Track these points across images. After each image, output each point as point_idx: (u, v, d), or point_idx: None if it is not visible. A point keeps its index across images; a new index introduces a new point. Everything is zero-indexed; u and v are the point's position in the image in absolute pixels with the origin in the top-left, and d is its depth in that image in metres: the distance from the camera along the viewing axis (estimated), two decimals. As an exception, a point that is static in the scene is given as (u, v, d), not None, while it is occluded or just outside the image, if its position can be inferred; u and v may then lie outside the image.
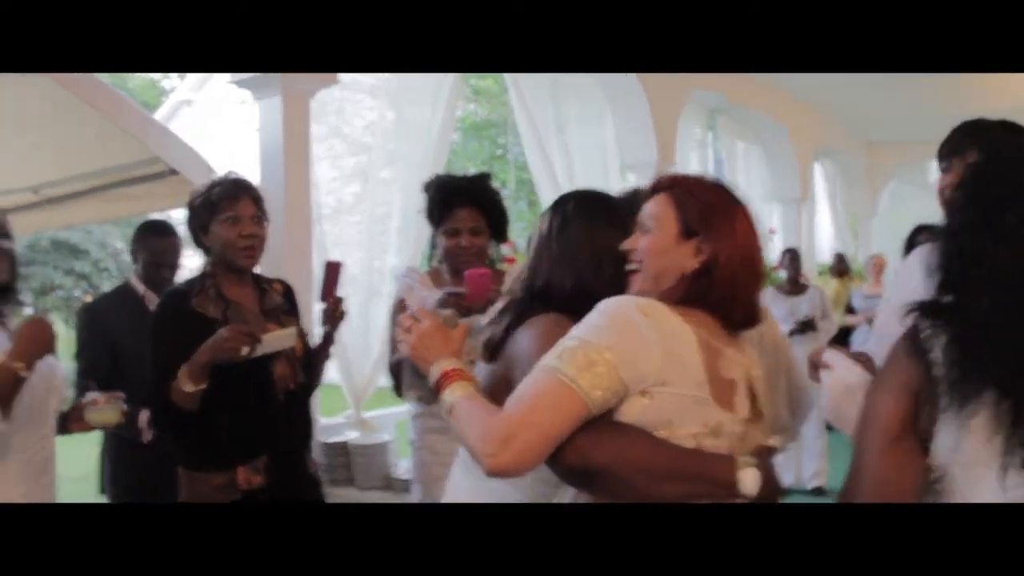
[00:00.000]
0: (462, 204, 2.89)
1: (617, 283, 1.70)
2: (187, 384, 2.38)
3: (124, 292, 3.50)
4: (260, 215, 2.62)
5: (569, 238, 1.81)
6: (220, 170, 4.06)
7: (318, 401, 4.18)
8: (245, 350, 2.38)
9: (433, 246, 3.03)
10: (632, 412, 1.46)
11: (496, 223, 2.95)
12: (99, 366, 2.99)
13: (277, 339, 2.49)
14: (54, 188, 4.52)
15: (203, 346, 2.38)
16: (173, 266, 3.49)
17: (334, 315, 2.81)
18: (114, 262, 14.23)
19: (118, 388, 2.55)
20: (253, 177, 3.94)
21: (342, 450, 3.89)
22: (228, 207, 2.56)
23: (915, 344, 1.38)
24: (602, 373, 1.42)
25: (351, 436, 4.12)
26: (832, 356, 1.67)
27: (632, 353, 1.44)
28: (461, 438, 1.54)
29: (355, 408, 4.53)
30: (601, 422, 1.47)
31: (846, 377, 1.62)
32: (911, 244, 4.89)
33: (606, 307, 1.50)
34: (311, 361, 2.76)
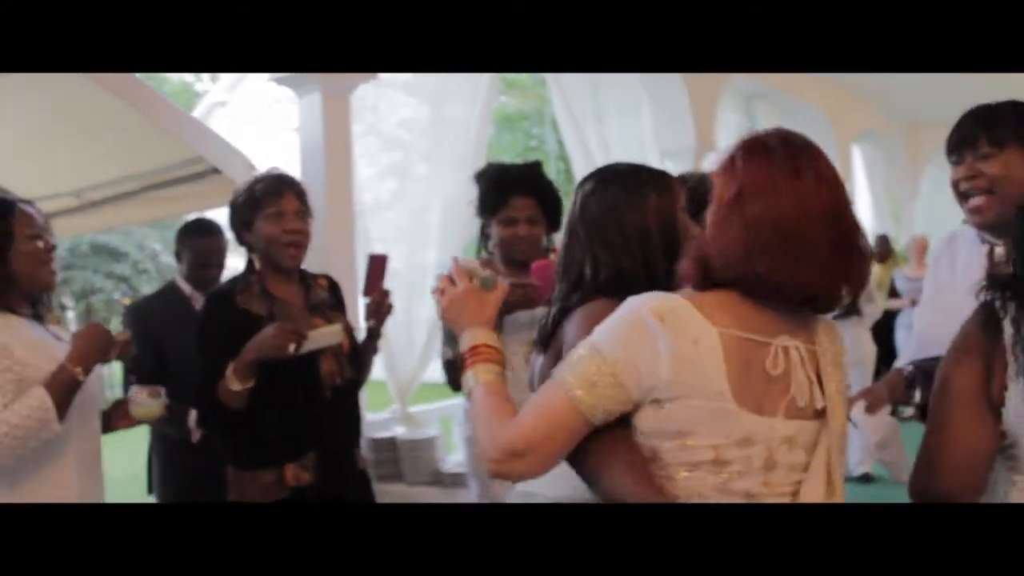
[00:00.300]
0: (518, 193, 2.83)
1: (653, 261, 1.65)
2: (234, 383, 2.37)
3: (170, 292, 3.49)
4: (304, 210, 2.59)
5: (592, 220, 1.72)
6: (261, 168, 4.09)
7: (364, 397, 4.19)
8: (292, 347, 2.36)
9: (484, 236, 2.94)
10: (647, 421, 1.40)
11: (552, 212, 2.89)
12: (144, 366, 2.96)
13: (323, 336, 2.46)
14: (96, 192, 4.54)
15: (249, 344, 2.37)
16: (219, 265, 3.46)
17: (380, 309, 2.76)
18: (153, 264, 14.37)
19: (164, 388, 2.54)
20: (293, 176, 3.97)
21: (390, 446, 3.89)
22: (271, 203, 2.52)
23: (989, 314, 1.48)
24: (606, 392, 1.37)
25: (398, 431, 4.11)
26: (859, 416, 1.87)
27: (639, 366, 1.36)
28: (473, 423, 1.52)
29: (400, 403, 4.53)
30: (604, 440, 1.42)
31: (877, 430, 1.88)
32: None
33: (624, 311, 1.42)
34: (358, 357, 2.73)
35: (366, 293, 2.78)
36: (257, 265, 2.59)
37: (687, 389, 1.36)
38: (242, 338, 2.40)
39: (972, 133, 2.00)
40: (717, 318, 1.39)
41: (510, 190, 2.83)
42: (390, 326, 4.43)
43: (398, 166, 4.88)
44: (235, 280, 2.61)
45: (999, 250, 2.02)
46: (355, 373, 2.67)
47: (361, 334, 2.89)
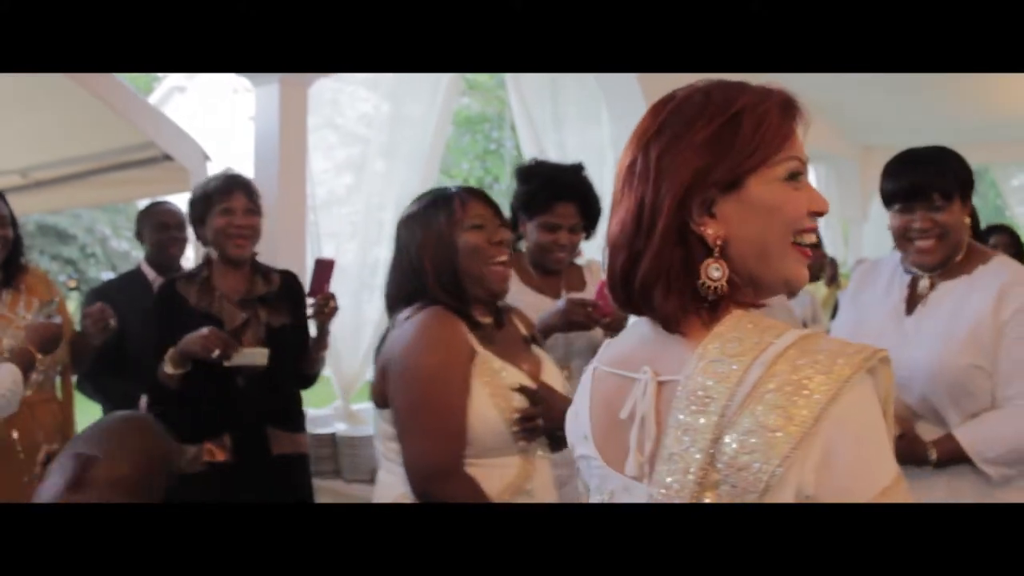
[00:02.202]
0: (566, 199, 2.68)
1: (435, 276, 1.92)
2: (168, 367, 2.64)
3: (133, 277, 3.59)
4: (253, 208, 2.82)
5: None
6: (214, 156, 4.05)
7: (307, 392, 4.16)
8: (216, 353, 2.58)
9: (516, 235, 2.73)
10: None
11: (592, 219, 2.78)
12: (107, 348, 3.05)
13: (251, 356, 2.68)
14: (43, 171, 4.47)
15: (186, 336, 2.62)
16: (179, 247, 3.58)
17: (323, 311, 2.92)
18: (101, 248, 14.12)
19: (124, 370, 3.00)
20: (247, 165, 3.94)
21: (329, 442, 3.85)
22: (222, 200, 2.76)
23: None
24: None
25: (339, 428, 4.08)
26: None
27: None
28: None
29: (343, 400, 4.50)
30: None
31: None
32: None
33: None
34: (306, 352, 2.95)
35: (311, 294, 2.95)
36: (212, 257, 2.82)
37: (571, 435, 1.26)
38: (177, 325, 2.67)
39: (924, 188, 2.17)
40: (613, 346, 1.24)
41: (559, 196, 2.68)
42: (337, 322, 4.41)
43: (355, 161, 4.84)
44: (188, 271, 2.90)
45: (923, 282, 2.24)
46: (271, 365, 2.82)
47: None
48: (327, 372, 4.47)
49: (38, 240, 13.39)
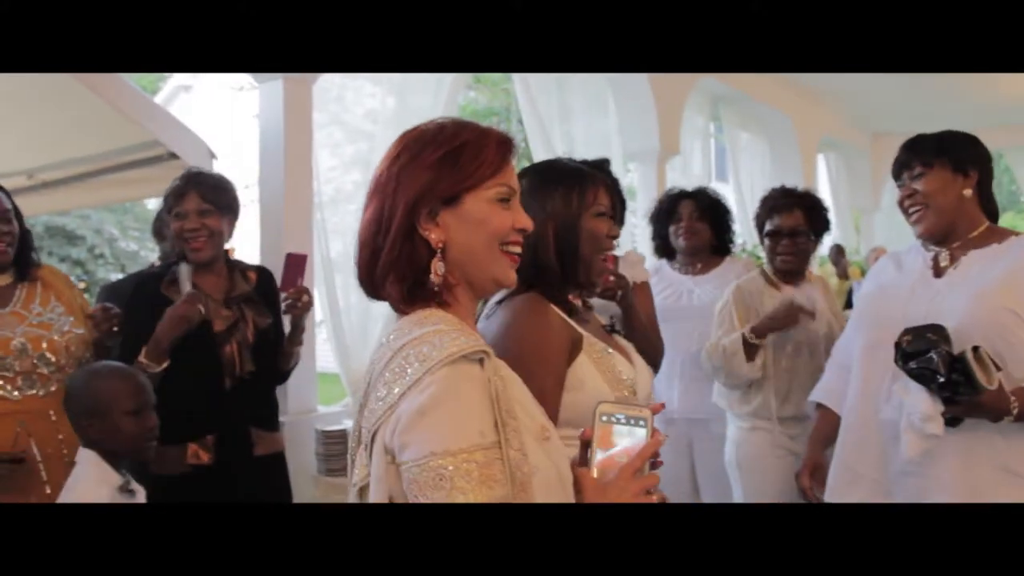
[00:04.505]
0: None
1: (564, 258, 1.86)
2: (148, 364, 2.59)
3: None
4: (209, 208, 2.75)
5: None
6: (220, 154, 4.03)
7: (315, 389, 4.14)
8: (202, 310, 2.62)
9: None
10: None
11: (621, 209, 2.75)
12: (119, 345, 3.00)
13: None
14: (49, 172, 4.47)
15: (158, 327, 2.60)
16: None
17: (295, 305, 2.86)
18: (109, 249, 14.12)
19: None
20: (253, 162, 3.92)
21: (339, 438, 3.84)
22: (176, 203, 2.75)
23: None
24: None
25: (349, 424, 4.07)
26: None
27: None
28: None
29: (353, 396, 4.48)
30: None
31: None
32: None
33: None
34: (282, 348, 2.91)
35: (282, 289, 2.91)
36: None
37: None
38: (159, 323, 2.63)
39: (906, 157, 2.35)
40: None
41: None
42: (345, 319, 4.41)
43: (362, 157, 4.82)
44: (167, 267, 2.85)
45: (943, 254, 2.32)
46: (275, 364, 2.87)
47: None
48: (336, 369, 4.46)
49: (46, 242, 13.40)
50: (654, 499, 1.32)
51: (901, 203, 2.37)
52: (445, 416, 1.23)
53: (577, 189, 1.94)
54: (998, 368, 2.00)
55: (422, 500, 1.21)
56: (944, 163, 2.28)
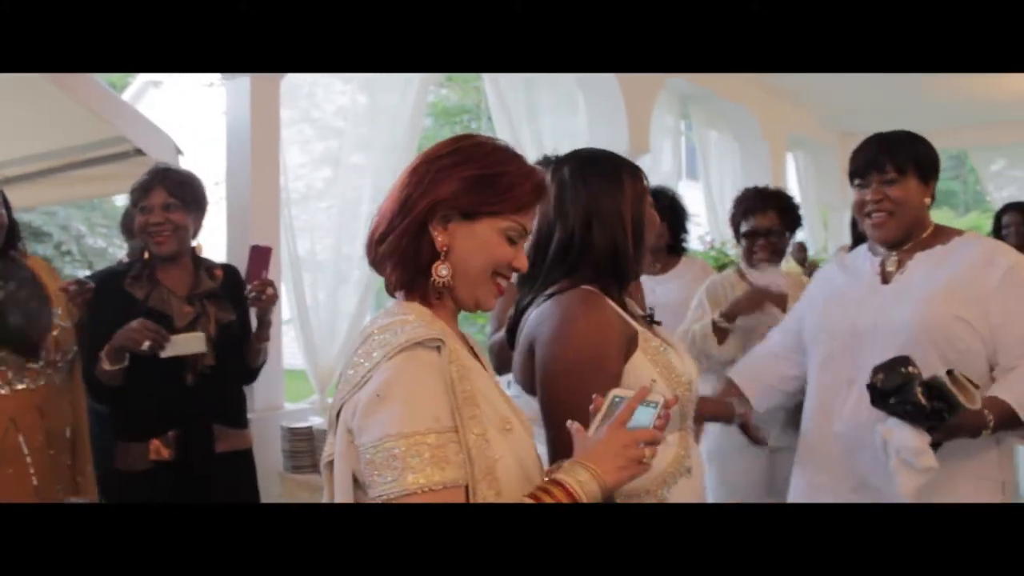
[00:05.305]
0: None
1: (623, 248, 1.83)
2: (105, 362, 2.58)
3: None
4: (174, 203, 2.74)
5: (579, 204, 1.84)
6: (187, 151, 4.00)
7: (282, 386, 4.13)
8: (146, 345, 2.52)
9: None
10: None
11: None
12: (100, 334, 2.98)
13: (185, 342, 2.61)
14: (14, 168, 4.41)
15: (118, 331, 2.56)
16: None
17: (260, 298, 2.84)
18: (76, 246, 13.97)
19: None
20: (221, 159, 3.90)
21: (306, 435, 3.84)
22: (141, 198, 2.75)
23: None
24: None
25: (315, 422, 4.06)
26: None
27: None
28: None
29: (320, 394, 4.48)
30: None
31: None
32: (998, 224, 4.73)
33: None
34: (248, 344, 2.90)
35: (248, 281, 2.89)
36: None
37: None
38: (123, 319, 2.58)
39: (879, 159, 2.27)
40: None
41: None
42: (313, 316, 4.40)
43: (332, 155, 4.81)
44: (131, 263, 2.83)
45: (892, 258, 2.31)
46: (220, 361, 2.80)
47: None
48: (303, 366, 4.45)
49: (13, 238, 13.22)
50: (646, 453, 1.36)
51: (862, 205, 2.31)
52: (399, 400, 1.30)
53: (629, 177, 1.88)
54: (976, 387, 1.95)
55: (377, 480, 1.28)
56: (914, 171, 2.25)
